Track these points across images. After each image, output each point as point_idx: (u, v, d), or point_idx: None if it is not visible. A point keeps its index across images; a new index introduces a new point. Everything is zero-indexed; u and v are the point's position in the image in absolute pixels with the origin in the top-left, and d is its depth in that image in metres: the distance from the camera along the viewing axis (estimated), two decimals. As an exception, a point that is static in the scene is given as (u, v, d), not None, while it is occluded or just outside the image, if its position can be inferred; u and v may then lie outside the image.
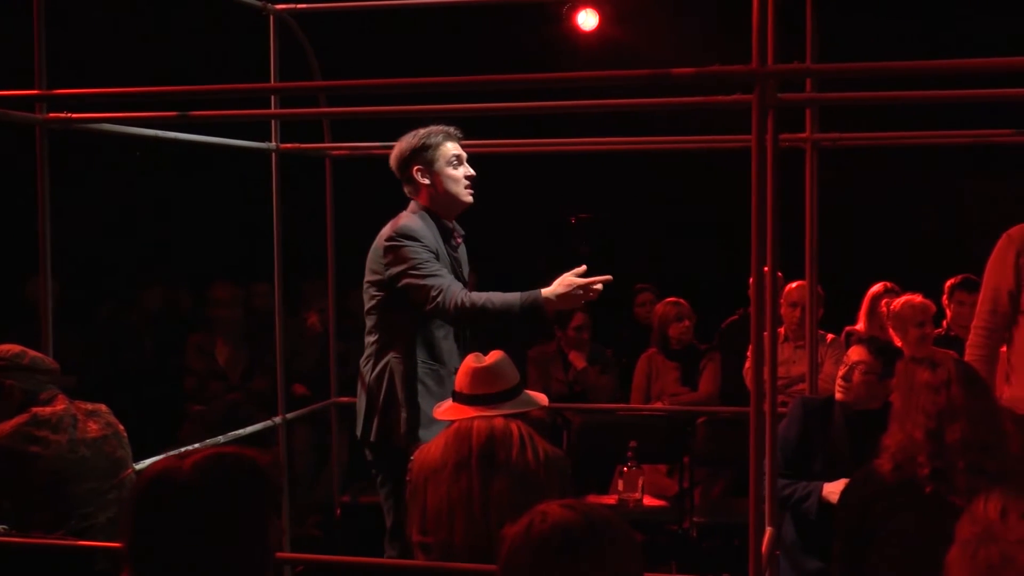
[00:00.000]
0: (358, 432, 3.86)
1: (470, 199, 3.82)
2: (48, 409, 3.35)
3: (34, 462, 3.26)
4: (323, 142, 4.94)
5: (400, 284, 3.65)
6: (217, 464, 1.92)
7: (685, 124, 4.89)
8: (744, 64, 2.66)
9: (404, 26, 7.34)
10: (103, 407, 3.52)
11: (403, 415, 3.70)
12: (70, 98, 3.56)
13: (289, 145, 4.78)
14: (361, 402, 3.84)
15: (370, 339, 3.83)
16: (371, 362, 3.80)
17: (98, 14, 7.01)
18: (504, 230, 9.00)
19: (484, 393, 3.20)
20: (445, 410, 3.27)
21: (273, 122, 4.78)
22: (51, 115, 3.58)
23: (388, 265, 3.68)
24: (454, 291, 3.56)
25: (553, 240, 9.49)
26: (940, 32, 7.08)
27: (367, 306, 3.83)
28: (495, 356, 3.30)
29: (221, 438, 4.33)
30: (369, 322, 3.83)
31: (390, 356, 3.74)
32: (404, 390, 3.71)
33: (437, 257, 3.68)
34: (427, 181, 3.77)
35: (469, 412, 3.18)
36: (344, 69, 4.09)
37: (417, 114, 3.77)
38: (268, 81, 4.62)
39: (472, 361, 3.28)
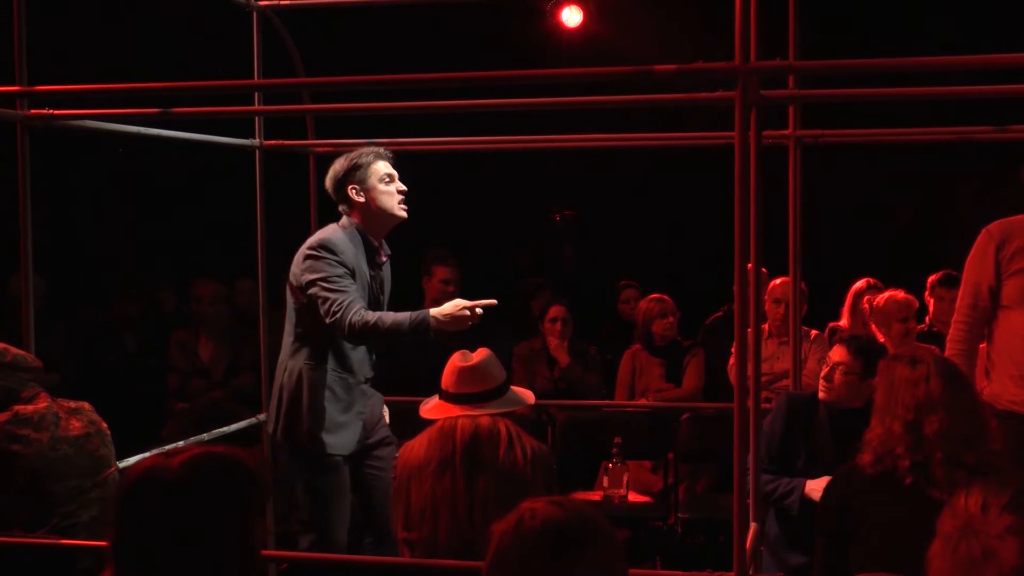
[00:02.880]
0: (268, 428, 4.00)
1: (404, 214, 3.97)
2: (30, 407, 3.34)
3: (15, 460, 3.24)
4: (307, 139, 4.93)
5: (309, 292, 3.79)
6: (205, 463, 1.92)
7: (669, 121, 4.89)
8: (727, 61, 2.66)
9: (387, 23, 7.33)
10: (86, 405, 3.50)
11: (307, 422, 3.85)
12: (51, 94, 3.53)
13: (273, 142, 4.76)
14: (273, 400, 3.99)
15: (287, 340, 3.98)
16: (285, 364, 3.96)
17: (80, 10, 6.98)
18: (488, 227, 9.01)
19: (470, 392, 3.20)
20: (431, 408, 3.27)
21: (256, 119, 4.77)
22: (32, 112, 3.56)
23: (303, 272, 3.81)
24: (353, 309, 3.69)
25: (538, 237, 9.51)
26: (921, 29, 7.11)
27: (287, 308, 3.97)
28: (481, 355, 3.30)
29: (205, 436, 4.32)
30: (287, 324, 3.98)
31: (302, 361, 3.89)
32: (310, 396, 3.86)
33: (352, 274, 3.81)
34: (362, 199, 3.92)
35: (455, 411, 3.18)
36: (327, 66, 4.08)
37: (401, 111, 3.77)
38: (251, 78, 4.60)
39: (458, 360, 3.28)
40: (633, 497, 5.16)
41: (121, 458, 3.58)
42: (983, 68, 2.93)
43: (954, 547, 1.89)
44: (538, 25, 8.05)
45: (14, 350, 3.43)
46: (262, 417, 4.72)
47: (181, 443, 3.87)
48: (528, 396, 3.36)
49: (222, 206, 7.72)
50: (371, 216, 3.93)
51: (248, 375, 6.02)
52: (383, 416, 4.17)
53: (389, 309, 4.07)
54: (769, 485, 3.82)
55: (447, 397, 3.23)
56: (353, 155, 3.93)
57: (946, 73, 3.17)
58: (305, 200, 4.92)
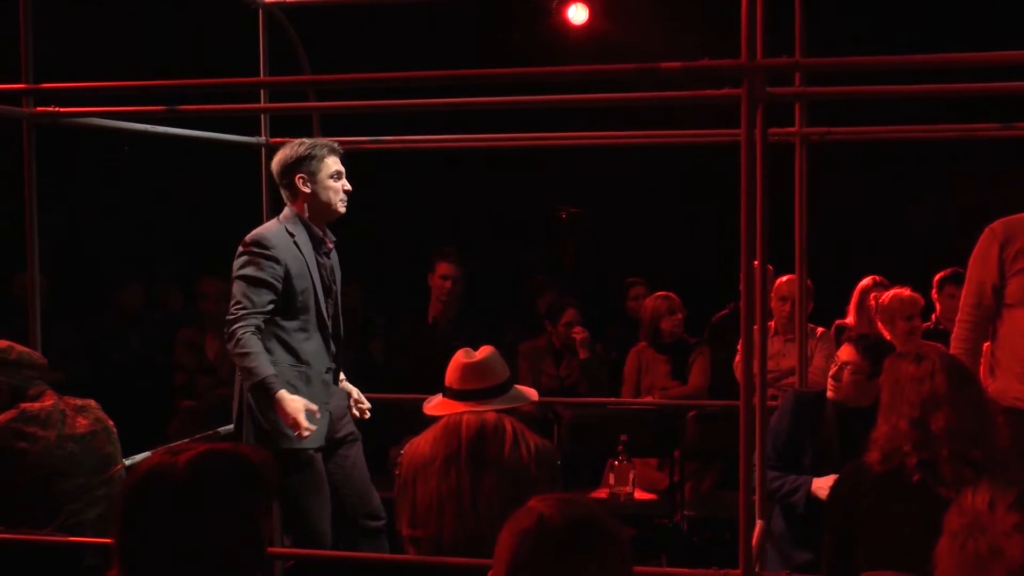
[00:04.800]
0: (235, 431, 3.99)
1: (343, 210, 4.02)
2: (36, 405, 3.34)
3: (22, 458, 3.25)
4: (312, 136, 4.92)
5: (233, 285, 3.85)
6: (212, 460, 1.91)
7: (675, 118, 4.88)
8: (733, 58, 2.66)
9: (393, 21, 7.34)
10: (92, 403, 3.50)
11: (269, 419, 3.80)
12: (57, 92, 3.54)
13: (279, 140, 4.76)
14: (234, 402, 3.97)
15: None
16: None
17: (86, 8, 6.98)
18: (494, 224, 9.01)
19: (474, 388, 3.20)
20: (435, 405, 3.27)
21: (263, 116, 4.77)
22: (38, 109, 3.56)
23: (235, 267, 3.88)
24: (245, 321, 3.74)
25: (544, 234, 9.49)
26: (929, 26, 7.09)
27: None
28: (485, 351, 3.30)
29: (211, 433, 4.32)
30: None
31: None
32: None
33: (286, 270, 3.83)
34: (307, 189, 3.96)
35: (459, 407, 3.18)
36: (333, 64, 4.08)
37: (406, 108, 3.77)
38: (257, 75, 4.60)
39: (462, 356, 3.28)
40: (639, 495, 5.16)
41: (127, 456, 3.59)
42: (989, 65, 2.93)
43: (961, 544, 1.88)
44: (544, 23, 8.04)
45: (19, 348, 3.44)
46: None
47: (187, 440, 3.87)
48: (532, 394, 3.36)
49: (228, 204, 7.74)
50: (313, 207, 3.97)
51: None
52: (348, 411, 4.15)
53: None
54: (775, 482, 3.82)
55: (451, 394, 3.23)
56: (307, 144, 3.97)
57: (953, 70, 3.16)
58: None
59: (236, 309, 3.78)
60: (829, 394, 3.89)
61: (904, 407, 3.05)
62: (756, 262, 2.87)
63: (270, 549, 2.67)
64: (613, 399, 5.92)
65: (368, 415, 4.22)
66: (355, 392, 4.21)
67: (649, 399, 5.83)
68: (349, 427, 4.13)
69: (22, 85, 3.48)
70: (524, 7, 7.85)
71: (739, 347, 4.78)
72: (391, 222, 3.90)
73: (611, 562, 1.81)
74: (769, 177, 2.98)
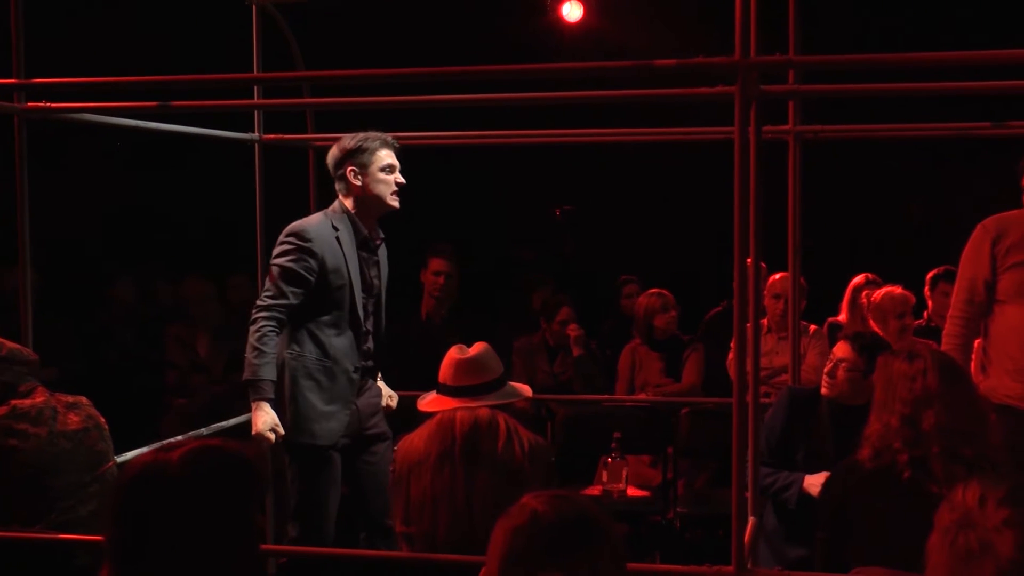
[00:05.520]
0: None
1: (396, 204, 3.99)
2: (27, 401, 3.33)
3: (13, 455, 3.23)
4: (306, 133, 4.92)
5: (270, 270, 3.88)
6: (205, 457, 1.91)
7: (670, 116, 4.88)
8: (727, 56, 2.66)
9: (388, 17, 7.33)
10: (84, 399, 3.48)
11: (289, 411, 3.86)
12: (49, 87, 3.52)
13: (272, 136, 4.75)
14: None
15: None
16: None
17: (78, 2, 6.96)
18: (489, 221, 9.01)
19: (468, 384, 3.21)
20: (429, 401, 3.27)
21: (256, 113, 4.75)
22: (30, 104, 3.55)
23: (274, 252, 3.90)
24: (269, 313, 3.79)
25: (539, 232, 9.50)
26: (923, 25, 7.10)
27: None
28: (479, 348, 3.31)
29: (204, 430, 4.31)
30: None
31: (284, 349, 3.90)
32: (292, 385, 3.87)
33: (322, 264, 3.84)
34: (358, 182, 3.95)
35: (453, 403, 3.18)
36: (327, 60, 4.08)
37: (400, 105, 3.77)
38: (251, 71, 4.59)
39: (456, 353, 3.29)
40: (632, 492, 5.15)
41: (119, 453, 3.57)
42: (982, 64, 2.93)
43: (952, 540, 1.89)
44: (539, 20, 8.04)
45: (9, 344, 3.42)
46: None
47: (180, 437, 3.87)
48: (525, 390, 3.37)
49: (219, 200, 7.73)
50: (363, 201, 3.97)
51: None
52: (381, 409, 4.16)
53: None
54: (768, 478, 3.83)
55: (445, 390, 3.24)
56: (360, 136, 3.95)
57: (946, 68, 3.16)
58: (304, 194, 4.91)
59: (266, 298, 3.82)
60: (824, 391, 3.89)
61: (896, 404, 3.06)
62: (749, 260, 2.87)
63: (263, 546, 2.67)
64: (607, 396, 5.92)
65: (393, 407, 4.27)
66: (387, 390, 4.25)
67: (643, 396, 5.83)
68: (381, 425, 4.14)
69: (13, 80, 3.47)
70: (519, 4, 7.85)
71: (732, 344, 4.79)
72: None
73: (604, 559, 1.82)
74: (763, 175, 2.99)
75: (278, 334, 3.81)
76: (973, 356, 4.11)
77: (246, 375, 3.79)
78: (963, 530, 1.88)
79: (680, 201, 8.49)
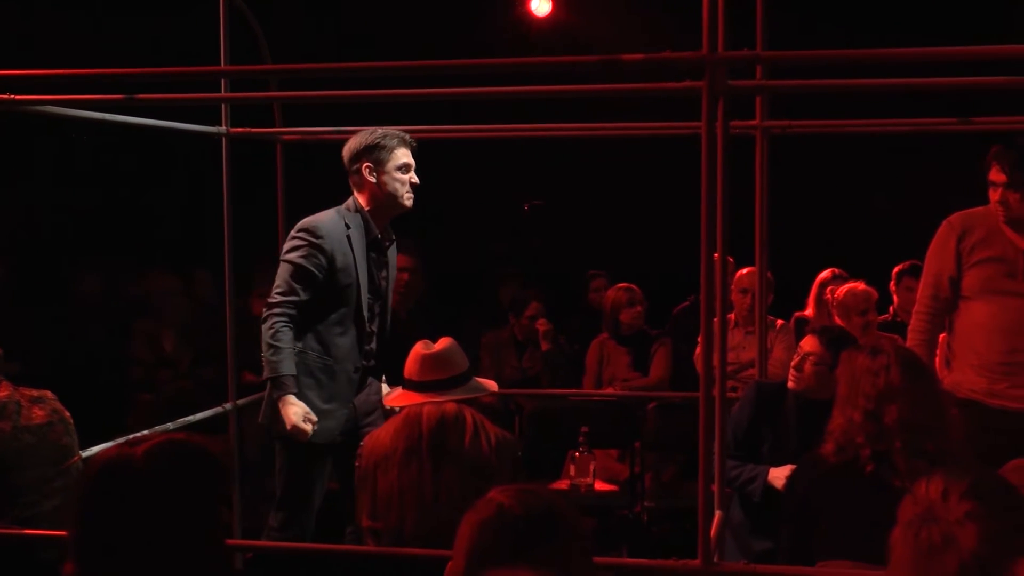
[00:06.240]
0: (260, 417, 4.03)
1: (409, 204, 3.99)
2: (-9, 396, 3.29)
3: (-23, 450, 3.20)
4: (274, 127, 4.89)
5: (280, 267, 3.87)
6: (169, 452, 1.90)
7: (638, 111, 4.90)
8: (694, 51, 2.67)
9: (356, 11, 7.29)
10: (49, 394, 3.45)
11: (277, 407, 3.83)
12: (13, 79, 3.48)
13: (239, 130, 4.71)
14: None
15: None
16: None
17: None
18: (457, 216, 8.99)
19: (433, 379, 3.20)
20: (395, 397, 3.28)
21: (223, 106, 4.71)
22: (-7, 97, 3.51)
23: (284, 247, 3.91)
24: (281, 309, 3.79)
25: (506, 227, 9.48)
26: (890, 21, 7.15)
27: None
28: (444, 343, 3.31)
29: (171, 425, 4.28)
30: None
31: None
32: None
33: (331, 263, 3.82)
34: (373, 179, 3.92)
35: (419, 399, 3.18)
36: (296, 53, 4.05)
37: (369, 99, 3.75)
38: (218, 64, 4.55)
39: (421, 348, 3.29)
40: (600, 486, 5.15)
41: (85, 448, 3.54)
42: (948, 60, 2.95)
43: (915, 533, 1.90)
44: (507, 14, 8.03)
45: (-27, 338, 3.39)
46: (228, 407, 4.69)
47: (146, 432, 3.83)
48: (491, 385, 3.38)
49: (185, 194, 7.67)
50: (378, 199, 3.95)
51: (214, 366, 5.97)
52: (379, 407, 4.12)
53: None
54: (734, 471, 3.85)
55: (411, 385, 3.23)
56: (379, 132, 3.94)
57: (913, 64, 3.19)
58: (272, 189, 4.88)
59: (277, 294, 3.82)
60: (790, 384, 3.91)
61: (859, 399, 3.09)
62: (716, 254, 2.88)
63: (230, 541, 2.65)
64: (574, 390, 5.92)
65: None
66: (386, 388, 4.22)
67: (610, 390, 5.84)
68: (378, 423, 4.10)
69: (-24, 73, 3.42)
70: (488, -1, 7.84)
71: (700, 339, 4.80)
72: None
73: (571, 553, 1.82)
74: (730, 170, 3.00)
75: (291, 329, 3.79)
76: (938, 351, 4.15)
77: (266, 374, 3.79)
78: (926, 524, 1.89)
79: (648, 196, 8.51)
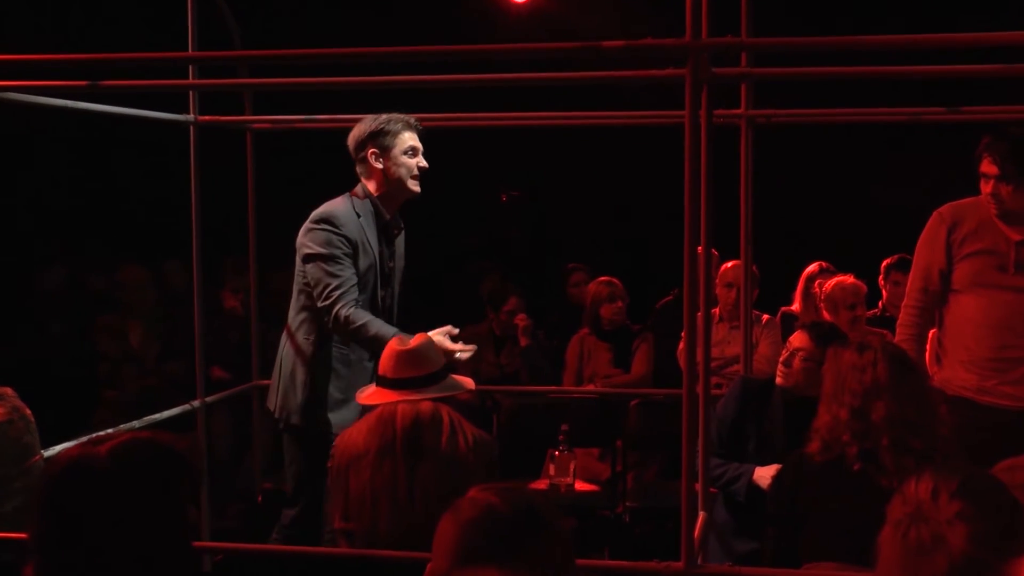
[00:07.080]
0: (268, 405, 4.04)
1: (417, 189, 3.95)
2: (-52, 393, 3.21)
3: (-68, 449, 3.12)
4: (244, 114, 4.80)
5: (307, 267, 3.81)
6: (134, 450, 1.87)
7: (620, 99, 4.83)
8: (677, 37, 2.60)
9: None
10: (9, 391, 3.38)
11: (303, 398, 3.87)
12: (-28, 65, 3.38)
13: (208, 117, 4.62)
14: (274, 374, 4.01)
15: (291, 313, 3.98)
16: (288, 340, 3.96)
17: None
18: (432, 207, 8.92)
19: (409, 376, 3.15)
20: (369, 395, 3.23)
21: (191, 93, 4.62)
22: (-49, 84, 3.41)
23: (303, 246, 3.83)
24: (344, 300, 3.74)
25: (484, 218, 9.43)
26: (877, 8, 7.11)
27: (297, 284, 3.96)
28: (419, 339, 3.26)
29: (136, 423, 4.20)
30: (294, 300, 3.98)
31: (303, 336, 3.89)
32: (309, 372, 3.87)
33: (355, 250, 3.81)
34: (380, 165, 3.91)
35: (393, 396, 3.12)
36: (266, 39, 3.96)
37: (342, 86, 3.69)
38: (186, 50, 4.45)
39: (396, 344, 3.24)
40: (580, 486, 5.08)
41: (46, 446, 3.48)
42: (936, 48, 2.91)
43: (904, 533, 1.89)
44: (486, 0, 7.97)
45: (-70, 334, 3.30)
46: (196, 404, 4.62)
47: (111, 430, 3.75)
48: (468, 382, 3.33)
49: (154, 183, 7.57)
50: (385, 185, 3.92)
51: (181, 361, 5.88)
52: None
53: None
54: (718, 469, 3.81)
55: (385, 383, 3.17)
56: (383, 118, 3.90)
57: (900, 52, 3.13)
58: (242, 178, 4.79)
59: (327, 292, 3.73)
60: (778, 380, 3.88)
61: (845, 396, 3.10)
62: (700, 247, 2.83)
63: (198, 543, 2.57)
64: (554, 387, 5.85)
65: None
66: None
67: (591, 387, 5.78)
68: None
69: (-67, 58, 3.31)
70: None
71: (683, 334, 4.74)
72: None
73: (555, 553, 1.83)
74: (714, 160, 2.94)
75: (362, 305, 3.75)
76: (928, 347, 4.09)
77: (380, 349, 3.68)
78: (915, 523, 1.88)
79: (630, 187, 8.45)
